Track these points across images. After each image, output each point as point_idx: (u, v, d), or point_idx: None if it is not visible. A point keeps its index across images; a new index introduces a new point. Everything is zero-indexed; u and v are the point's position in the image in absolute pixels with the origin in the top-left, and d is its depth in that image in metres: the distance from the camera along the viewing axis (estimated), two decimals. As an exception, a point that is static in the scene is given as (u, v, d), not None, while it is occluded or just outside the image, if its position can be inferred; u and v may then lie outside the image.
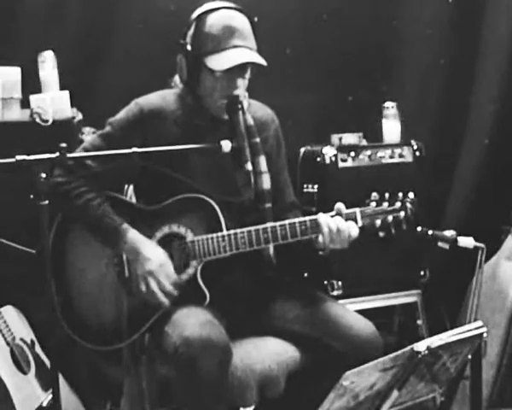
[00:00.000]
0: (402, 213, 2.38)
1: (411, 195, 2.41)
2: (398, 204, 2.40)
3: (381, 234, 2.40)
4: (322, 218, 2.37)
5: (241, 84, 2.44)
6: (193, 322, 2.28)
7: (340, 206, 2.40)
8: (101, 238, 2.43)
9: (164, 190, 2.45)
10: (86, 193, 2.43)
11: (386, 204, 2.40)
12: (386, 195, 2.40)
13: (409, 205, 2.39)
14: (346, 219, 2.37)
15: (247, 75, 2.46)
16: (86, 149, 2.46)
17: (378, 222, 2.38)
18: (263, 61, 2.42)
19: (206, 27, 2.42)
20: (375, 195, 2.41)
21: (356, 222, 2.38)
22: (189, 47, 2.45)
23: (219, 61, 2.39)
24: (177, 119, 2.49)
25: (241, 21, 2.43)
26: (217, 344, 2.23)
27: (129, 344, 2.45)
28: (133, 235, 2.40)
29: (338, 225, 2.35)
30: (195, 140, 2.38)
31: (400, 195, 2.40)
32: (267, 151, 2.56)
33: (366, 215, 2.39)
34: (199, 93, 2.49)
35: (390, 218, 2.38)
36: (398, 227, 2.39)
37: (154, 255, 2.38)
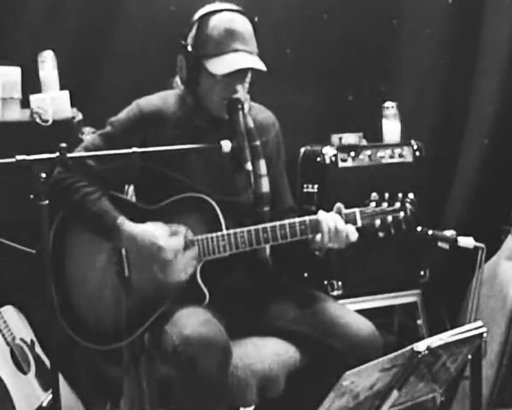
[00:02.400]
0: (401, 214, 2.39)
1: (411, 195, 2.41)
2: (397, 204, 2.40)
3: (381, 234, 2.41)
4: (323, 216, 2.38)
5: (241, 89, 2.44)
6: (192, 321, 2.28)
7: (339, 206, 2.40)
8: (99, 233, 2.42)
9: (164, 190, 2.45)
10: (84, 187, 2.42)
11: (385, 204, 2.40)
12: (386, 195, 2.41)
13: (408, 205, 2.40)
14: (346, 220, 2.38)
15: (247, 79, 2.46)
16: (87, 148, 2.46)
17: (377, 222, 2.39)
18: (263, 67, 2.41)
19: (207, 29, 2.42)
20: (374, 195, 2.41)
21: (355, 222, 2.39)
22: (189, 48, 2.45)
23: (219, 65, 2.39)
24: (177, 120, 2.49)
25: (242, 24, 2.42)
26: (216, 343, 2.23)
27: (129, 344, 2.45)
28: (129, 227, 2.38)
29: (337, 224, 2.36)
30: (195, 141, 2.38)
31: (400, 195, 2.41)
32: (267, 155, 2.56)
33: (365, 215, 2.40)
34: (199, 94, 2.49)
35: (389, 218, 2.39)
36: (398, 227, 2.40)
37: (153, 237, 2.35)
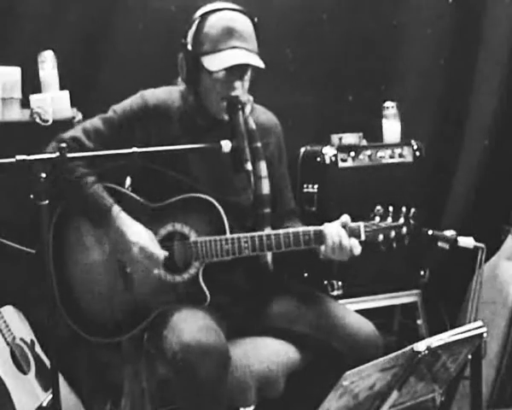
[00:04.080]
0: (404, 229, 2.40)
1: (413, 210, 2.42)
2: (401, 220, 2.41)
3: (383, 248, 2.42)
4: (328, 230, 2.38)
5: (239, 86, 2.43)
6: (191, 327, 2.27)
7: (345, 219, 2.40)
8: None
9: (164, 188, 2.45)
10: (80, 167, 2.41)
11: (390, 219, 2.41)
12: (390, 208, 2.41)
13: (412, 221, 2.41)
14: (350, 234, 2.38)
15: (247, 77, 2.45)
16: (85, 128, 2.46)
17: (381, 237, 2.40)
18: (260, 64, 2.41)
19: (205, 28, 2.42)
20: (378, 208, 2.42)
21: (359, 236, 2.39)
22: (189, 46, 2.45)
23: (215, 62, 2.39)
24: (180, 116, 2.49)
25: (242, 23, 2.42)
26: (216, 350, 2.22)
27: (129, 343, 2.45)
28: (123, 217, 2.38)
29: (342, 239, 2.36)
30: (196, 139, 2.38)
31: (404, 209, 2.42)
32: (268, 157, 2.55)
33: (370, 230, 2.40)
34: (199, 93, 2.49)
35: (393, 233, 2.40)
36: (400, 242, 2.41)
37: (138, 239, 2.36)
